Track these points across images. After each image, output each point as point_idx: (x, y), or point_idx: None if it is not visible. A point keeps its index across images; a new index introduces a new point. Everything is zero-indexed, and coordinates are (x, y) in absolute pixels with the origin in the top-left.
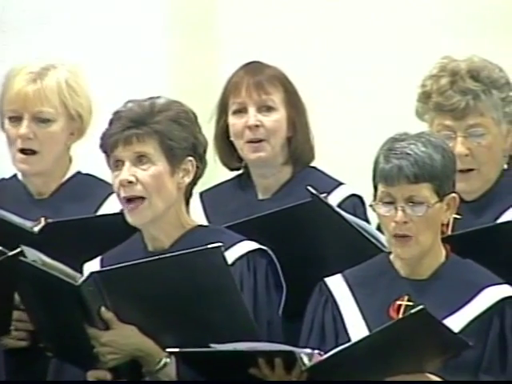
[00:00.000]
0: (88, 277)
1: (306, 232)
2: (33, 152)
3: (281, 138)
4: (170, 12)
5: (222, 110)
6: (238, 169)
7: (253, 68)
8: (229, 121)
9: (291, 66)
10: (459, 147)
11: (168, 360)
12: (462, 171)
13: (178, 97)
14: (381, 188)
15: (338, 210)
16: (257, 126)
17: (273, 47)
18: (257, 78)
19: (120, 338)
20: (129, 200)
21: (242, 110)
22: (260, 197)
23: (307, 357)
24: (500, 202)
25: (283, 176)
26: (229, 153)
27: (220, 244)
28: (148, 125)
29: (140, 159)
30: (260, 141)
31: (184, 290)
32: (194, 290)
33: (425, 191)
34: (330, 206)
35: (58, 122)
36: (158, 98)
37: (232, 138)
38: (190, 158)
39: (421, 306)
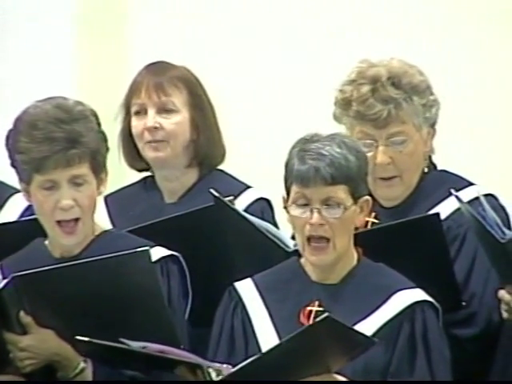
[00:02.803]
0: (9, 281)
1: (211, 236)
2: None
3: (182, 141)
4: (77, 7)
5: (126, 110)
6: (145, 170)
7: (156, 68)
8: (131, 122)
9: (202, 66)
10: (381, 156)
11: (85, 365)
12: (383, 178)
13: (83, 93)
14: (295, 189)
15: (242, 212)
16: (155, 128)
17: (184, 47)
18: (158, 78)
19: (38, 343)
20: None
21: (142, 112)
22: (166, 200)
23: (215, 372)
24: (419, 206)
25: (189, 179)
26: (134, 154)
27: (147, 248)
28: (83, 144)
29: (76, 180)
30: (160, 141)
31: (107, 294)
32: (117, 295)
33: (341, 193)
34: (233, 209)
35: None
36: (65, 99)
37: (135, 139)
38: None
39: (325, 314)
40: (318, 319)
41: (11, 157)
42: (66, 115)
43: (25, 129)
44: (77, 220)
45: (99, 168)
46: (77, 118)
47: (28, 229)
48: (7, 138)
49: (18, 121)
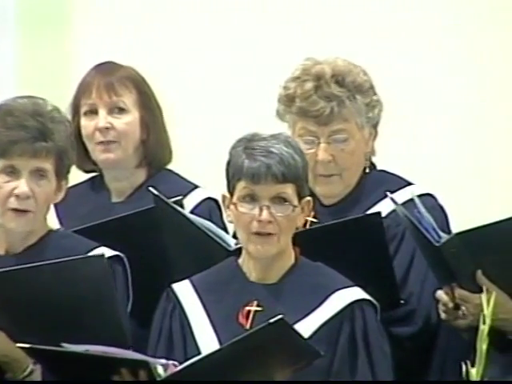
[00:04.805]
0: None
1: (154, 237)
2: None
3: (133, 141)
4: (21, 6)
5: (75, 110)
6: (93, 171)
7: (105, 68)
8: (81, 122)
9: (149, 66)
10: (322, 154)
11: (34, 367)
12: (323, 175)
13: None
14: (243, 185)
15: (182, 210)
16: (107, 128)
17: (131, 46)
18: (108, 79)
19: None
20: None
21: (92, 112)
22: (114, 200)
23: (162, 368)
24: (358, 205)
25: (137, 179)
26: (82, 154)
27: (102, 253)
28: (53, 140)
29: (37, 173)
30: (111, 142)
31: (59, 297)
32: (70, 298)
33: (289, 191)
34: (172, 207)
35: None
36: (45, 101)
37: (84, 140)
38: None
39: (280, 316)
40: (271, 321)
41: None
42: (43, 111)
43: (0, 115)
44: (29, 212)
45: (62, 171)
46: (52, 118)
47: None
48: None
49: None
